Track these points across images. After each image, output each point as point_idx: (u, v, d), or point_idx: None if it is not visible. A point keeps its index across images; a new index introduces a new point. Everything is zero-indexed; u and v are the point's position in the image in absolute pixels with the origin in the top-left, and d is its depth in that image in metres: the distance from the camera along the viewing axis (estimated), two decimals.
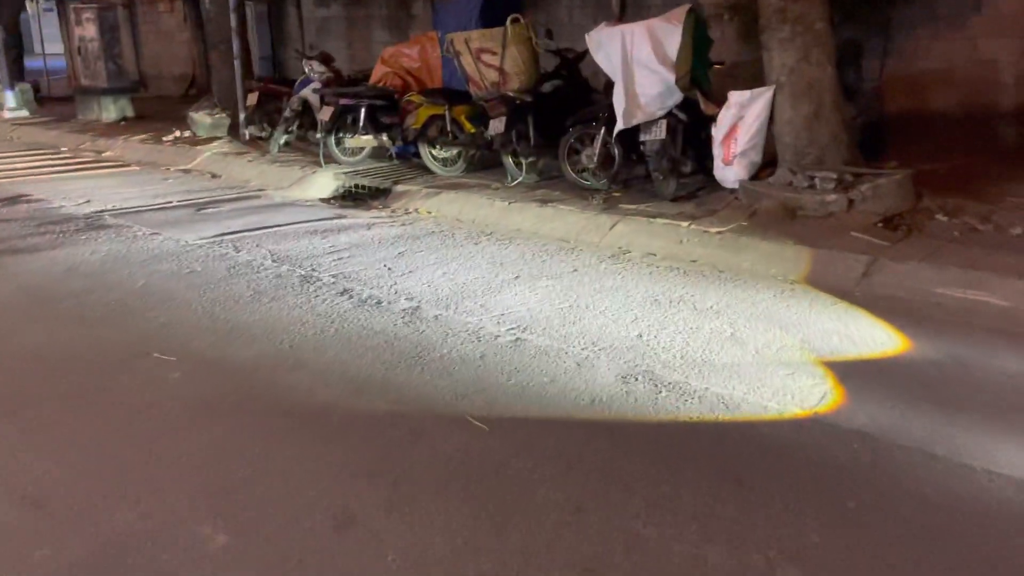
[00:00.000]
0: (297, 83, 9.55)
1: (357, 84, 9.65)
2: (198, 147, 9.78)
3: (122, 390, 3.31)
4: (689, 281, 4.81)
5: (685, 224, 5.72)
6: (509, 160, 7.39)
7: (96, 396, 3.26)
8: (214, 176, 8.80)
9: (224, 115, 10.58)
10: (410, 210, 7.04)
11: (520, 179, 7.33)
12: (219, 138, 10.29)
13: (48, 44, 20.79)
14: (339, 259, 5.36)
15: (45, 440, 2.93)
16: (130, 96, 13.04)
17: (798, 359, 3.61)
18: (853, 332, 3.92)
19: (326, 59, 9.69)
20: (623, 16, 9.06)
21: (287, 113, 9.27)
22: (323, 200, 7.68)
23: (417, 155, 8.53)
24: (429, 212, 6.93)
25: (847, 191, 5.68)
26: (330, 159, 8.50)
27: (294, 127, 9.41)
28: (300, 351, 3.73)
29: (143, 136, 10.81)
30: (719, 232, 5.55)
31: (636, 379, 3.40)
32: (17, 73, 15.60)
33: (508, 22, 7.00)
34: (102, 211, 6.84)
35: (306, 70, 9.39)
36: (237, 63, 9.96)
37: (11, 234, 5.96)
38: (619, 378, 3.41)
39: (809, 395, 3.24)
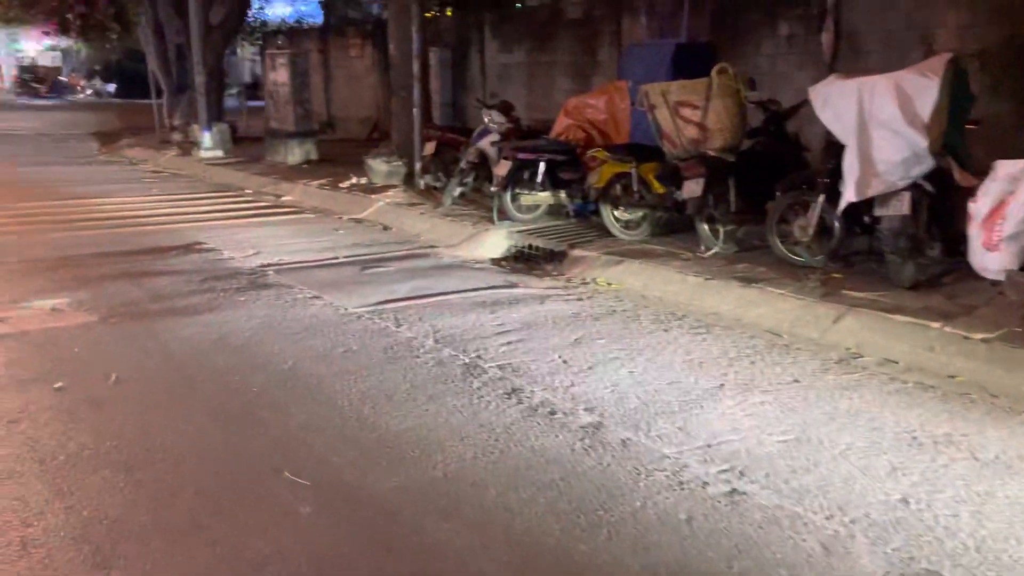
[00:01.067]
0: (475, 133, 9.11)
1: (537, 136, 9.08)
2: (372, 195, 9.55)
3: (239, 528, 2.70)
4: (954, 409, 3.68)
5: (936, 324, 4.55)
6: (704, 227, 6.47)
7: (205, 534, 2.66)
8: (385, 228, 8.46)
9: (400, 163, 10.35)
10: (588, 280, 6.26)
11: (715, 249, 6.38)
12: (394, 186, 10.04)
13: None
14: (508, 343, 4.64)
15: None
16: (314, 139, 13.24)
17: None
18: None
19: (506, 108, 9.20)
20: (835, 63, 7.94)
21: (463, 165, 8.84)
22: (494, 261, 7.08)
23: (597, 214, 7.78)
24: (609, 284, 6.12)
25: None
26: (504, 215, 7.92)
27: (469, 179, 8.97)
28: (455, 484, 2.99)
29: (321, 181, 10.78)
30: (984, 339, 4.35)
31: None
32: (217, 114, 16.41)
33: (714, 72, 6.12)
34: (267, 266, 6.55)
35: (485, 120, 8.92)
36: (416, 111, 9.69)
37: (175, 290, 5.73)
38: None
39: None
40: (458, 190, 8.92)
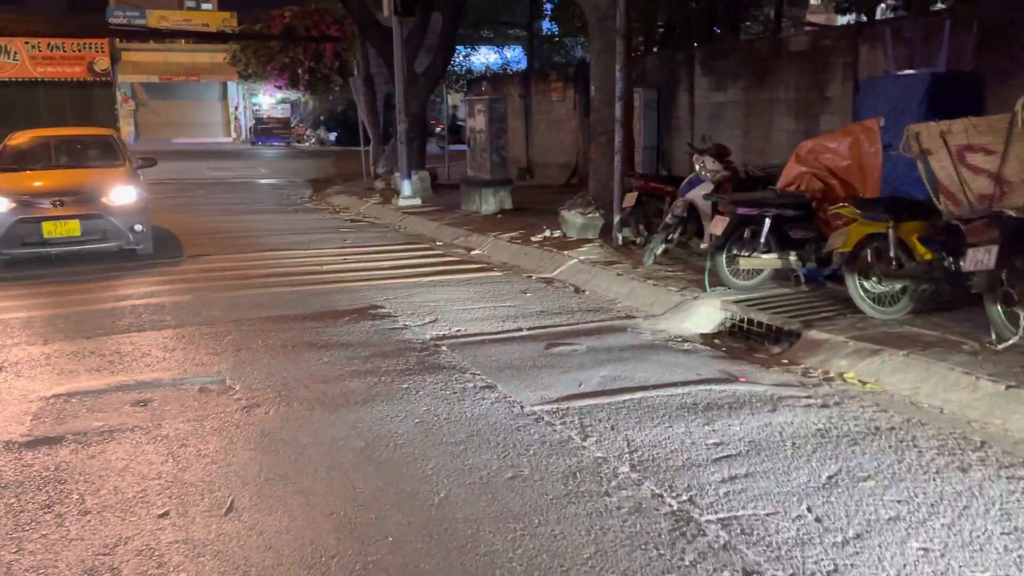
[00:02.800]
0: (684, 183, 7.93)
1: (756, 185, 7.76)
2: (565, 251, 8.61)
3: None
4: None
5: None
6: (996, 310, 4.86)
7: None
8: (577, 290, 7.46)
9: (598, 215, 9.36)
10: (831, 374, 4.87)
11: (1013, 340, 4.76)
12: (590, 241, 9.07)
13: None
14: (731, 478, 3.42)
15: None
16: (510, 188, 12.61)
17: None
18: None
19: (721, 153, 7.96)
20: None
21: (668, 219, 7.67)
22: (704, 338, 5.86)
23: (834, 281, 6.37)
24: (863, 383, 4.69)
25: None
26: (716, 280, 6.65)
27: (675, 235, 7.79)
28: None
29: (513, 233, 10.03)
30: None
31: None
32: (418, 161, 16.35)
33: (1019, 106, 4.57)
34: (443, 339, 5.74)
35: (696, 167, 7.73)
36: (617, 158, 8.67)
37: (334, 371, 5.01)
38: None
39: None
40: (661, 247, 7.76)
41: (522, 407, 4.33)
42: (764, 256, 6.44)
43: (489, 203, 12.35)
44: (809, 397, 4.47)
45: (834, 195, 6.56)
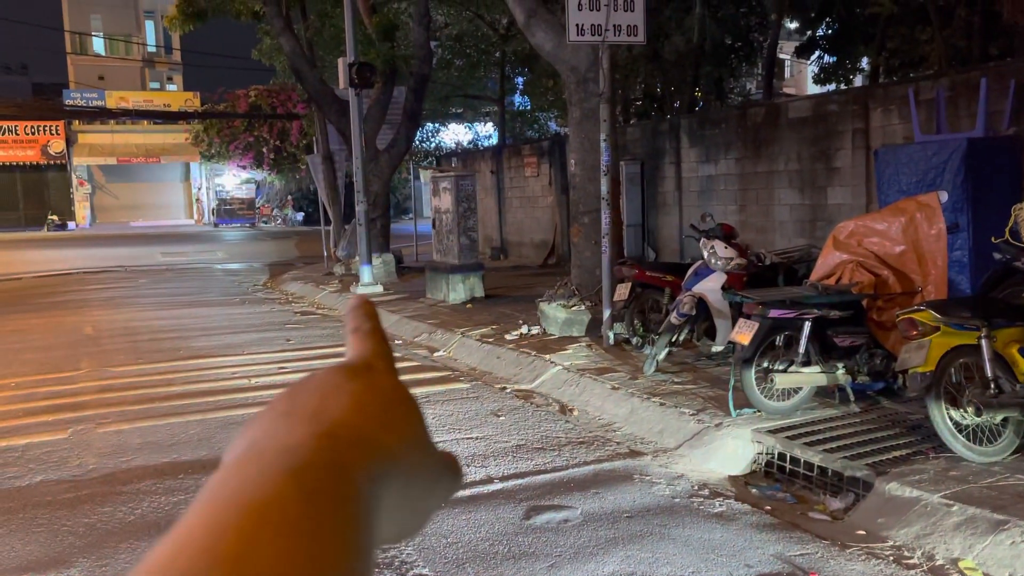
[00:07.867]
0: (690, 273, 6.52)
1: (776, 274, 6.40)
2: (547, 355, 7.12)
3: None
4: None
5: None
6: None
7: None
8: (563, 409, 5.96)
9: (583, 307, 7.93)
10: (939, 560, 3.36)
11: None
12: (575, 340, 7.60)
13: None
14: None
15: None
16: (480, 274, 11.18)
17: None
18: None
19: (727, 234, 6.62)
20: None
21: (673, 317, 6.22)
22: (734, 483, 4.38)
23: (889, 395, 4.97)
24: None
25: None
26: (742, 399, 5.16)
27: (681, 336, 6.35)
28: None
29: (484, 330, 8.55)
30: None
31: None
32: (382, 244, 14.98)
33: None
34: None
35: (705, 254, 6.34)
36: (605, 242, 7.28)
37: None
38: None
39: None
40: (664, 351, 6.30)
41: None
42: (806, 371, 4.98)
43: (458, 291, 10.90)
44: None
45: (887, 289, 5.18)
